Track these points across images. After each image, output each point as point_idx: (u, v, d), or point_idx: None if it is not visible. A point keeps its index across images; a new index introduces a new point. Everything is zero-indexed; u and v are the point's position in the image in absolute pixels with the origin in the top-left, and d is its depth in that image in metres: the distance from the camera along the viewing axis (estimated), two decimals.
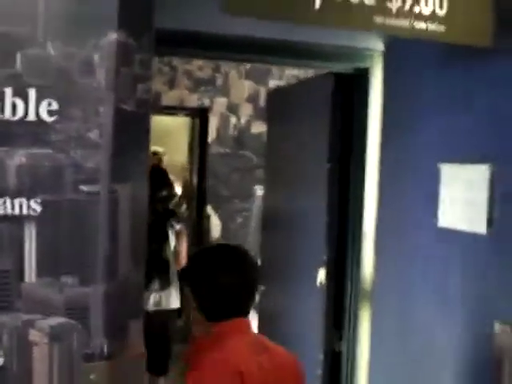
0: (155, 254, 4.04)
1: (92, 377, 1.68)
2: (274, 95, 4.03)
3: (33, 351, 1.66)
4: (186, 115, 6.04)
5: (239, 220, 5.86)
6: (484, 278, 2.36)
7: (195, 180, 5.96)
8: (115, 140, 1.69)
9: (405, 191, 2.87)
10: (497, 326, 2.27)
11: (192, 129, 6.07)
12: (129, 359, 1.76)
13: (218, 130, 5.87)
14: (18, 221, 1.65)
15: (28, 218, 1.66)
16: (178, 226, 4.52)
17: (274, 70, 5.79)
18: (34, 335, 1.66)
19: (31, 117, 1.65)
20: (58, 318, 1.68)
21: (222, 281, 1.73)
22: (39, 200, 1.66)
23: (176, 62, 5.65)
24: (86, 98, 1.67)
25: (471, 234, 2.42)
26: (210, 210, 5.89)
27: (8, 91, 1.64)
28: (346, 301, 3.23)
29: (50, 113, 1.66)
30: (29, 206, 1.66)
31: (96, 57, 1.67)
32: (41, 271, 1.66)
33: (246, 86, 5.85)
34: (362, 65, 3.08)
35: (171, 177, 6.16)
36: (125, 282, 1.74)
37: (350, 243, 3.22)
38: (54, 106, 1.66)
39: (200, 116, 5.83)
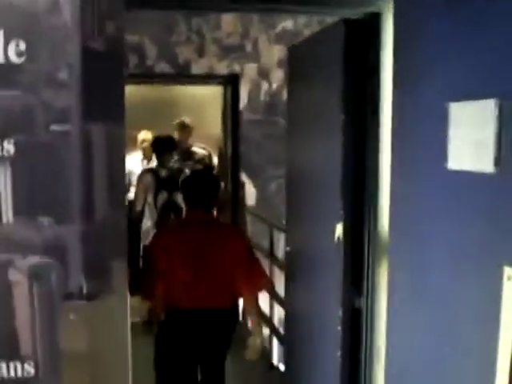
0: (167, 201, 4.98)
1: (72, 316, 1.69)
2: (292, 51, 3.94)
3: (13, 290, 1.69)
4: (217, 84, 6.01)
5: (273, 187, 5.82)
6: (494, 219, 2.25)
7: (229, 149, 5.95)
8: (85, 79, 1.69)
9: (416, 136, 2.76)
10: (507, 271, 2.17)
11: (224, 97, 6.04)
12: (111, 300, 1.77)
13: (250, 97, 5.82)
14: None
15: (2, 158, 1.68)
16: None
17: (306, 31, 5.67)
18: (13, 274, 1.69)
19: (0, 59, 1.66)
20: (37, 258, 1.70)
21: (189, 187, 3.23)
22: (12, 141, 1.68)
23: (204, 29, 5.62)
24: (52, 37, 1.67)
25: (479, 174, 2.31)
26: (244, 177, 5.88)
27: None
28: (364, 256, 3.15)
29: (19, 54, 1.67)
30: (2, 148, 1.68)
31: None
32: (17, 211, 1.68)
33: (276, 51, 5.76)
34: (373, 9, 2.97)
35: (207, 148, 6.20)
36: (103, 222, 1.75)
37: (367, 196, 3.13)
38: (22, 46, 1.67)
39: (231, 83, 5.79)
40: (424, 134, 2.72)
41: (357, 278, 3.19)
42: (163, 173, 5.08)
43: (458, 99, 2.49)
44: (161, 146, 5.15)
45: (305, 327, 3.77)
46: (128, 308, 1.84)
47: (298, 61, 3.77)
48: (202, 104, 6.58)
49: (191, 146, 6.12)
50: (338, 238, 3.22)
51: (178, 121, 6.04)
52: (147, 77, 5.69)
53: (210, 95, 6.37)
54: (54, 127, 1.68)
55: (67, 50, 1.68)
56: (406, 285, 2.91)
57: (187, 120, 6.04)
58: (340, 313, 3.18)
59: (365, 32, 3.06)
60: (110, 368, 1.73)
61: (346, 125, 3.14)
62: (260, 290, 3.42)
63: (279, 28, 5.71)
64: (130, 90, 6.74)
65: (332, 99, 3.24)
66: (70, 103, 1.68)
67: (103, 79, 1.74)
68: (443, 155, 2.55)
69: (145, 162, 6.10)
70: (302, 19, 5.53)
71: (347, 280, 3.19)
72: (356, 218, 3.18)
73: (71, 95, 1.68)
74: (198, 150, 6.15)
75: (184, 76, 5.69)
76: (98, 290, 1.73)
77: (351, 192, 3.18)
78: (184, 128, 5.98)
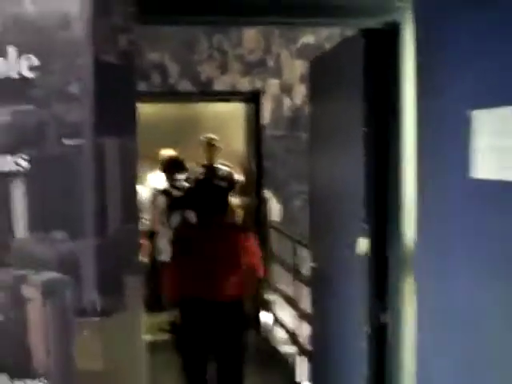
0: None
1: (85, 333, 1.67)
2: (313, 64, 3.91)
3: (26, 306, 1.67)
4: (240, 100, 6.01)
5: (297, 202, 5.77)
6: None
7: (253, 165, 5.92)
8: (96, 93, 1.67)
9: (440, 146, 2.70)
10: None
11: (247, 114, 6.03)
12: (125, 317, 1.74)
13: (272, 113, 5.80)
14: (6, 177, 1.67)
15: (16, 174, 1.67)
16: None
17: (328, 45, 5.64)
18: (26, 291, 1.67)
19: (13, 74, 1.66)
20: (50, 273, 1.68)
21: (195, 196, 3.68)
22: (26, 156, 1.67)
23: (226, 46, 5.63)
24: (64, 52, 1.67)
25: (504, 183, 2.24)
26: (268, 193, 5.84)
27: None
28: (388, 270, 3.09)
29: (31, 68, 1.67)
30: (16, 163, 1.67)
31: (72, 10, 1.66)
32: (31, 226, 1.67)
33: (298, 66, 5.74)
34: (392, 19, 2.93)
35: (230, 165, 6.18)
36: (116, 237, 1.72)
37: (390, 208, 3.07)
38: (34, 61, 1.66)
39: (253, 99, 5.78)
40: (447, 144, 2.66)
41: (382, 293, 3.12)
42: (174, 192, 5.18)
43: (481, 107, 2.43)
44: (170, 167, 5.27)
45: (330, 343, 3.70)
46: (141, 325, 1.81)
47: (320, 74, 3.74)
48: (225, 121, 6.58)
49: (216, 163, 6.11)
50: (362, 252, 3.15)
51: (203, 138, 6.03)
52: (170, 95, 5.71)
53: (233, 112, 6.37)
54: (67, 141, 1.66)
55: (79, 64, 1.67)
56: (433, 298, 2.84)
57: (214, 137, 6.02)
58: (365, 328, 3.11)
59: (385, 42, 3.02)
60: None
61: (368, 137, 3.09)
62: (256, 277, 3.81)
63: (300, 43, 5.70)
64: (153, 108, 6.80)
65: (353, 111, 3.19)
66: (82, 117, 1.67)
67: (115, 93, 1.73)
68: (467, 164, 2.49)
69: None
70: (323, 33, 5.50)
71: (372, 295, 3.13)
72: (380, 231, 3.12)
73: (83, 109, 1.67)
74: (222, 167, 6.14)
75: (206, 94, 5.70)
76: (111, 307, 1.70)
77: (374, 205, 3.12)
78: (211, 145, 5.97)
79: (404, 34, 2.94)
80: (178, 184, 5.36)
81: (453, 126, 2.63)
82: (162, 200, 5.34)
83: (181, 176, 5.42)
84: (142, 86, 5.54)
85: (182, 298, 3.55)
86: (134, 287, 1.77)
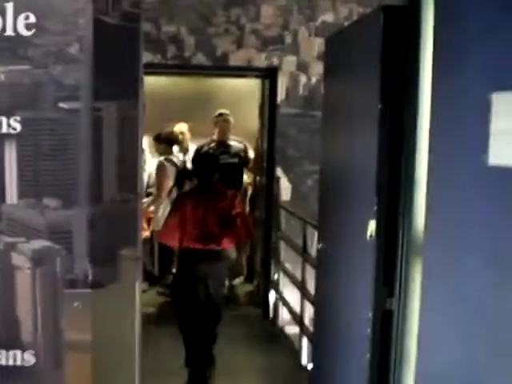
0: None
1: (76, 304, 1.61)
2: (329, 41, 3.80)
3: (15, 275, 1.61)
4: (255, 76, 5.89)
5: (310, 183, 5.68)
6: None
7: (265, 143, 5.83)
8: (97, 55, 1.59)
9: (456, 129, 2.60)
10: None
11: (262, 90, 5.92)
12: (118, 289, 1.68)
13: (288, 90, 5.69)
14: None
15: (8, 136, 1.60)
16: None
17: (347, 24, 5.51)
18: (16, 259, 1.62)
19: (9, 31, 1.58)
20: (41, 242, 1.62)
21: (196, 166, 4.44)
22: (19, 118, 1.60)
23: (243, 20, 5.52)
24: (63, 10, 1.59)
25: None
26: (279, 172, 5.76)
27: None
28: (397, 255, 2.99)
29: (28, 26, 1.59)
30: (8, 124, 1.60)
31: None
32: (22, 192, 1.61)
33: (316, 44, 5.61)
34: None
35: (243, 142, 6.11)
36: (111, 208, 1.66)
37: (402, 192, 2.97)
38: (32, 19, 1.59)
39: (269, 76, 5.67)
40: (464, 126, 2.55)
41: (389, 278, 3.04)
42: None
43: (503, 89, 2.32)
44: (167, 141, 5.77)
45: (334, 327, 3.63)
46: (136, 297, 1.74)
47: (335, 51, 3.62)
48: (240, 97, 6.47)
49: (228, 139, 6.03)
50: (371, 236, 3.07)
51: (216, 113, 5.96)
52: (184, 68, 5.61)
53: (248, 88, 6.25)
54: (63, 105, 1.59)
55: (79, 23, 1.59)
56: (441, 286, 2.75)
57: (226, 113, 5.94)
58: (370, 314, 3.03)
59: (404, 18, 2.91)
60: (115, 359, 1.64)
61: (383, 115, 2.98)
62: (242, 239, 4.83)
63: (319, 21, 5.56)
64: (168, 81, 6.71)
65: (369, 89, 3.09)
66: (81, 80, 1.59)
67: (117, 56, 1.65)
68: (484, 150, 2.39)
69: (181, 154, 6.03)
70: (342, 11, 5.37)
71: (379, 280, 3.04)
72: (390, 215, 3.03)
73: (82, 71, 1.59)
74: (235, 143, 6.06)
75: (221, 68, 5.60)
76: (104, 278, 1.64)
77: (386, 188, 3.02)
78: (223, 120, 5.90)
79: (424, 10, 2.82)
80: (173, 158, 5.71)
81: (471, 108, 2.52)
82: (172, 170, 5.52)
83: (175, 149, 5.84)
84: (157, 58, 5.46)
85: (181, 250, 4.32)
86: (129, 260, 1.70)
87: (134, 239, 1.73)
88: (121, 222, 1.68)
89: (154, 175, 5.72)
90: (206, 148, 5.96)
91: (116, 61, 1.63)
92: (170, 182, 5.53)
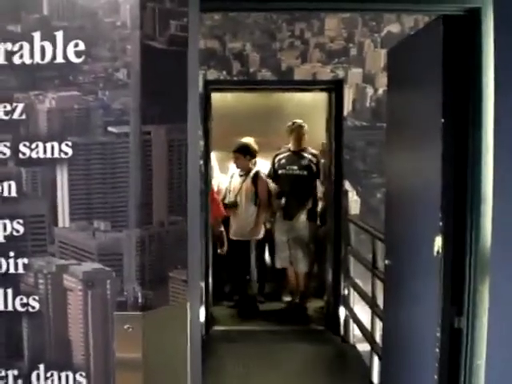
0: None
1: (126, 326, 1.62)
2: (391, 53, 3.72)
3: (67, 297, 1.64)
4: (321, 90, 5.84)
5: (379, 196, 5.58)
6: None
7: (333, 156, 5.76)
8: (145, 79, 1.61)
9: None
10: None
11: (328, 103, 5.85)
12: (168, 312, 1.68)
13: (354, 103, 5.62)
14: (50, 164, 1.64)
15: (59, 160, 1.64)
16: None
17: None
18: (68, 281, 1.65)
19: (59, 59, 1.63)
20: (92, 264, 1.64)
21: None
22: (70, 143, 1.64)
23: (307, 34, 5.51)
24: (111, 37, 1.62)
25: None
26: (347, 185, 5.67)
27: (36, 35, 1.63)
28: (465, 272, 2.87)
29: (77, 54, 1.63)
30: (60, 149, 1.64)
31: None
32: (73, 215, 1.64)
33: (382, 55, 5.53)
34: (472, 4, 2.71)
35: (318, 155, 6.04)
36: (160, 230, 1.66)
37: (469, 207, 2.86)
38: (81, 46, 1.62)
39: (334, 89, 5.61)
40: None
41: (457, 296, 2.92)
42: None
43: None
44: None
45: (403, 345, 3.52)
46: (187, 319, 1.74)
47: (398, 62, 3.54)
48: (307, 110, 6.42)
49: (304, 151, 5.94)
50: (438, 252, 2.96)
51: (290, 123, 5.89)
52: (249, 83, 5.65)
53: (315, 101, 6.21)
54: (112, 129, 1.61)
55: (127, 49, 1.61)
56: (510, 304, 2.63)
57: (301, 122, 5.87)
58: (438, 333, 2.92)
59: (465, 28, 2.81)
60: (166, 382, 1.64)
61: (446, 129, 2.88)
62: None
63: (384, 32, 5.49)
64: (234, 96, 6.75)
65: (431, 102, 3.00)
66: (129, 104, 1.61)
67: (166, 79, 1.66)
68: None
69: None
70: (407, 22, 5.27)
71: (446, 298, 2.93)
72: (456, 231, 2.91)
73: (130, 96, 1.61)
74: (309, 156, 5.95)
75: (287, 82, 5.59)
76: (154, 301, 1.64)
77: (452, 202, 2.91)
78: (298, 127, 5.83)
79: (485, 20, 2.71)
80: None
81: None
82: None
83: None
84: (223, 75, 5.51)
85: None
86: (180, 282, 1.70)
87: (181, 261, 1.72)
88: (170, 244, 1.68)
89: (234, 188, 5.78)
90: (280, 156, 5.93)
91: (164, 84, 1.64)
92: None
